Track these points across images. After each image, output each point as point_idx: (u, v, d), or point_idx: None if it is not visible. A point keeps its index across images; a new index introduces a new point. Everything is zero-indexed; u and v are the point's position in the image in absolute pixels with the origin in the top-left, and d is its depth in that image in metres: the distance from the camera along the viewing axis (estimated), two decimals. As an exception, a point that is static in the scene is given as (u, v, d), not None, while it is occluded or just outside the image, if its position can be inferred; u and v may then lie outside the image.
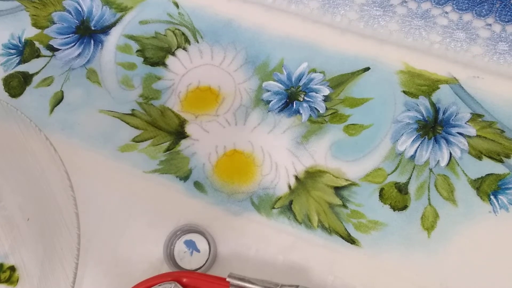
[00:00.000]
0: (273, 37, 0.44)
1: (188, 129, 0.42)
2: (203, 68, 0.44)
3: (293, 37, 0.44)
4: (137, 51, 0.45)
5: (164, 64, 0.44)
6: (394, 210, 0.39)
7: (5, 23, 0.48)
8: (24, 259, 0.40)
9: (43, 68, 0.46)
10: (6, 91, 0.45)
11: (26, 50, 0.46)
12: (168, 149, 0.42)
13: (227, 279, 0.35)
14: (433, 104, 0.41)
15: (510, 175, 0.38)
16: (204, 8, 0.46)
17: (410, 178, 0.39)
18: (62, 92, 0.45)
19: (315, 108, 0.42)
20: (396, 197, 0.39)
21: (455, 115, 0.40)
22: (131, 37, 0.46)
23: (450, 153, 0.39)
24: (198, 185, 0.41)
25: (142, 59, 0.45)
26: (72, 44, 0.46)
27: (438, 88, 0.41)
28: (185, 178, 0.41)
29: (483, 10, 0.42)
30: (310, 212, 0.39)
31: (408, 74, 0.42)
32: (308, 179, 0.40)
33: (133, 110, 0.43)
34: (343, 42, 0.43)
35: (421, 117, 0.40)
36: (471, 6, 0.43)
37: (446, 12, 0.43)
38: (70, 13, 0.47)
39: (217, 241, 0.39)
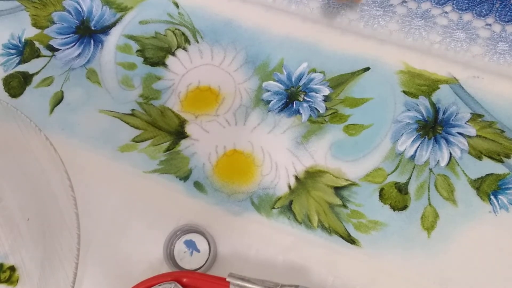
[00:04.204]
0: (273, 37, 0.44)
1: (188, 129, 0.42)
2: (203, 68, 0.44)
3: (293, 37, 0.44)
4: (137, 51, 0.45)
5: (164, 64, 0.44)
6: (394, 210, 0.39)
7: (5, 23, 0.48)
8: (24, 259, 0.40)
9: (43, 68, 0.46)
10: (6, 91, 0.45)
11: (26, 50, 0.46)
12: (168, 149, 0.42)
13: (227, 279, 0.35)
14: (433, 104, 0.41)
15: (510, 175, 0.38)
16: (204, 8, 0.46)
17: (410, 178, 0.39)
18: (62, 92, 0.45)
19: (315, 108, 0.42)
20: (396, 197, 0.39)
21: (455, 115, 0.40)
22: (131, 37, 0.46)
23: (450, 153, 0.39)
24: (198, 185, 0.41)
25: (142, 59, 0.45)
26: (72, 44, 0.46)
27: (438, 88, 0.41)
28: (185, 178, 0.41)
29: (483, 10, 0.42)
30: (310, 212, 0.39)
31: (408, 74, 0.42)
32: (308, 179, 0.40)
33: (133, 110, 0.43)
34: (343, 42, 0.43)
35: (421, 117, 0.40)
36: (471, 6, 0.43)
37: (446, 12, 0.43)
38: (70, 13, 0.47)
39: (217, 241, 0.39)
